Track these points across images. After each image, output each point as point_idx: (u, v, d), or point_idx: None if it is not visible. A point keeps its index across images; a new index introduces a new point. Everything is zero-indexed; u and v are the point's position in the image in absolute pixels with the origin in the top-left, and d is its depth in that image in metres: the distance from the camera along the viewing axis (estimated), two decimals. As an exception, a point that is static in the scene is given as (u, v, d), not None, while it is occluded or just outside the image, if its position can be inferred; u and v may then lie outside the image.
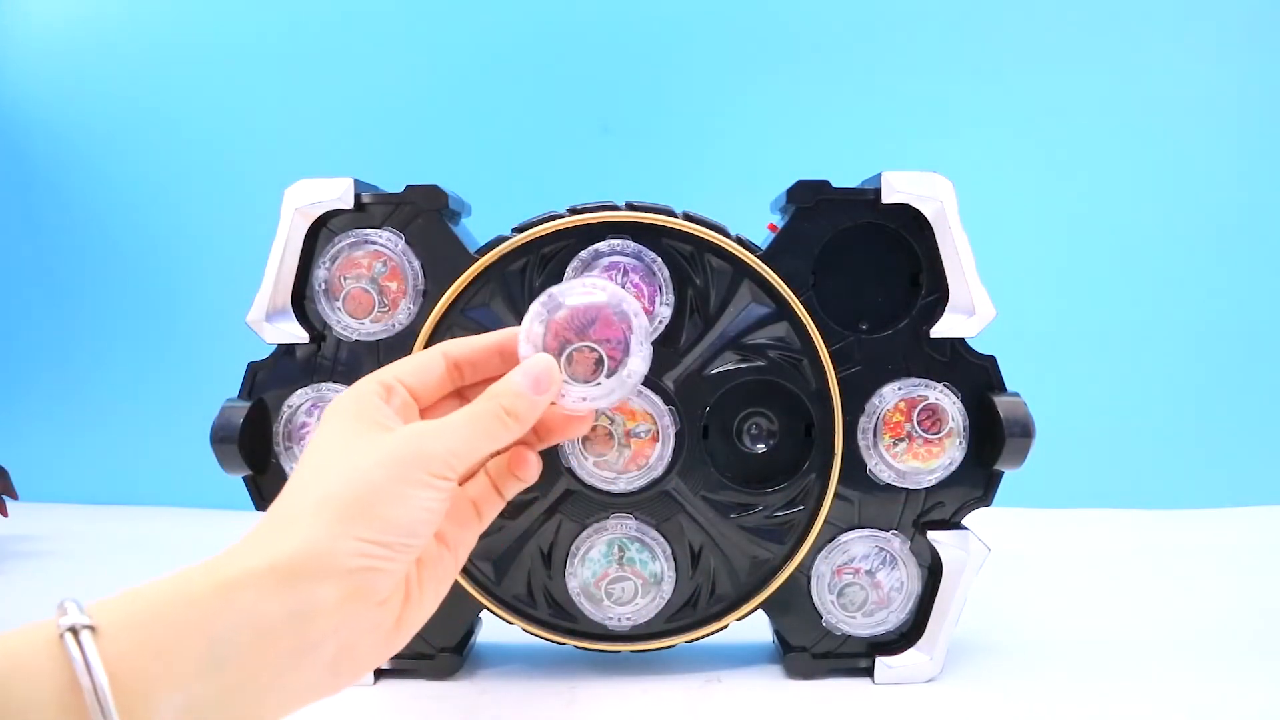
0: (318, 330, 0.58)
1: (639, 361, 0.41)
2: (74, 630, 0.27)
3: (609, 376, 0.41)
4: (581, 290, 0.41)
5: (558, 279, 0.56)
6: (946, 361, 0.57)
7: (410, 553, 0.35)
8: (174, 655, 0.28)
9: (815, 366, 0.57)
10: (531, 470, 0.43)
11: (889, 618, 0.59)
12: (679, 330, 0.57)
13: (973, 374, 0.58)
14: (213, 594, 0.30)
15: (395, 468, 0.34)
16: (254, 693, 0.30)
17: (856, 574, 0.59)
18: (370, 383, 0.39)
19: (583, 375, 0.41)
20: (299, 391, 0.57)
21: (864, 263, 0.58)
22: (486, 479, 0.43)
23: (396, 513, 0.34)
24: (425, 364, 0.41)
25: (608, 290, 0.41)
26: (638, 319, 0.41)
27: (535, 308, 0.41)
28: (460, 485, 0.41)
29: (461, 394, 0.43)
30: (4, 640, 0.27)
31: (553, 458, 0.57)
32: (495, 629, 0.62)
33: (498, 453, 0.42)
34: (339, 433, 0.36)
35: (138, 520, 1.08)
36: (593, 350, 0.41)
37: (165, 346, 1.16)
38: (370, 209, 0.57)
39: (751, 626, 0.61)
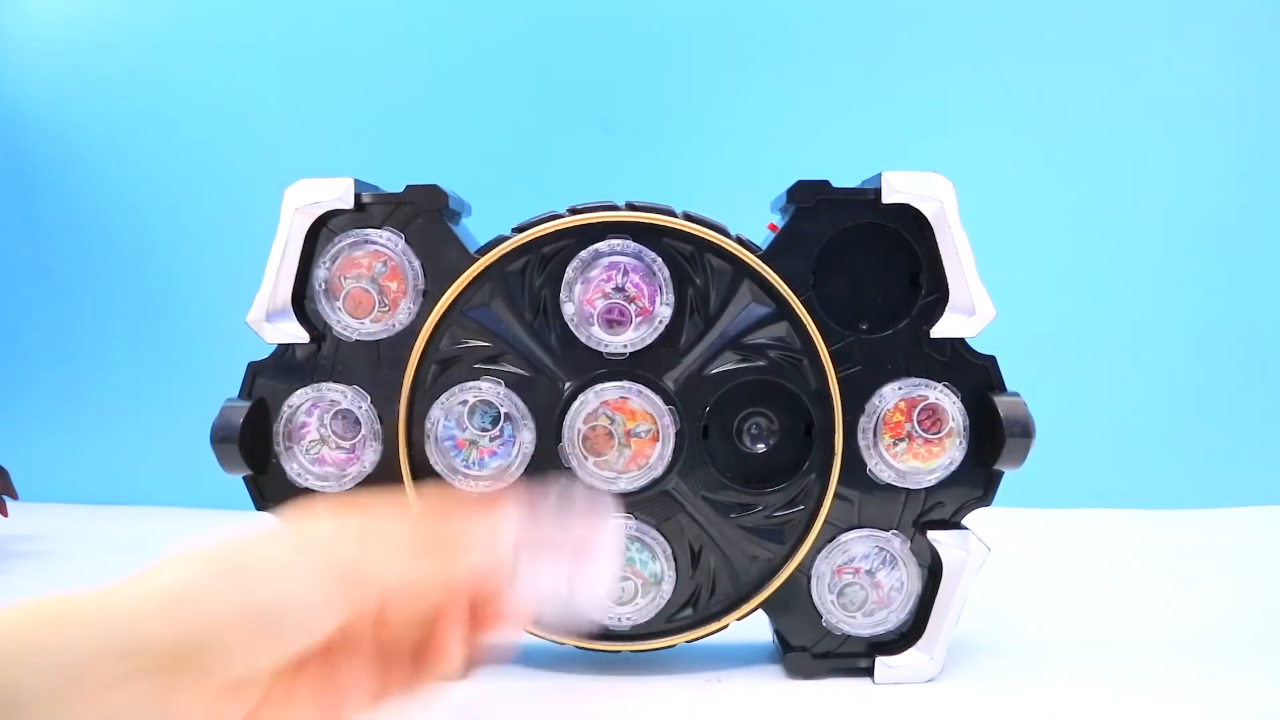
0: (318, 330, 0.58)
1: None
2: None
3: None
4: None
5: (558, 279, 0.56)
6: (946, 361, 0.57)
7: (272, 647, 0.29)
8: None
9: (815, 366, 0.57)
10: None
11: (889, 618, 0.59)
12: (679, 330, 0.57)
13: (973, 374, 0.57)
14: (46, 617, 0.27)
15: (303, 549, 0.31)
16: None
17: (856, 574, 0.59)
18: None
19: None
20: (299, 391, 0.57)
21: (864, 263, 0.58)
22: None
23: (278, 592, 0.29)
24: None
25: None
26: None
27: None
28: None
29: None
30: None
31: (553, 457, 0.57)
32: (495, 629, 0.62)
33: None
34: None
35: (138, 520, 1.08)
36: None
37: (165, 346, 1.16)
38: (370, 209, 0.57)
39: (751, 626, 0.61)
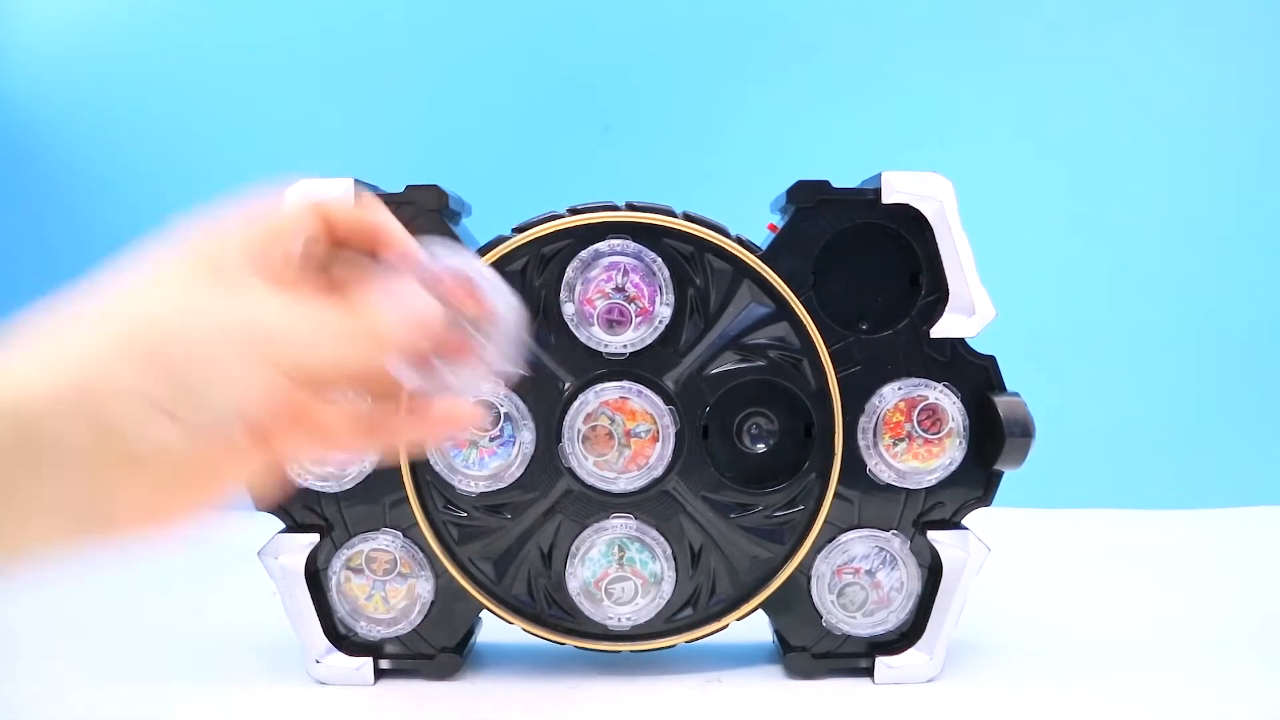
0: (318, 330, 0.57)
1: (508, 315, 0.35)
2: None
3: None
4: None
5: (558, 279, 0.56)
6: (946, 361, 0.57)
7: (196, 429, 0.28)
8: None
9: (815, 366, 0.57)
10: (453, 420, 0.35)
11: (889, 618, 0.59)
12: (679, 330, 0.57)
13: (973, 374, 0.57)
14: None
15: (226, 327, 0.28)
16: None
17: (856, 574, 0.59)
18: (240, 233, 0.31)
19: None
20: (299, 391, 0.57)
21: (864, 263, 0.58)
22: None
23: (198, 375, 0.27)
24: (296, 227, 0.33)
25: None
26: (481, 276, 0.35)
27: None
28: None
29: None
30: None
31: (552, 458, 0.57)
32: (495, 629, 0.62)
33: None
34: (181, 275, 0.30)
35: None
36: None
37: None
38: (370, 209, 0.57)
39: (751, 626, 0.61)
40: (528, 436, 0.57)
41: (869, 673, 0.59)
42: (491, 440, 0.57)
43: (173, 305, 0.28)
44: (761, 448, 0.59)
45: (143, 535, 0.30)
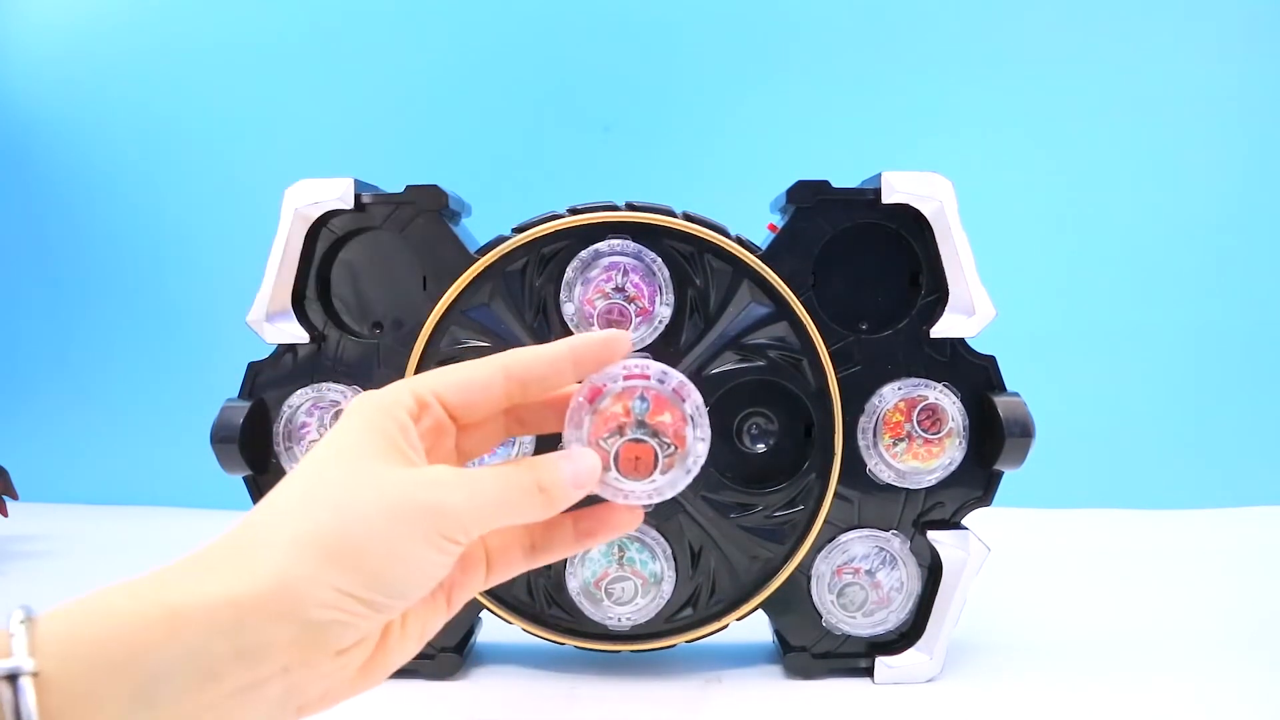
0: (318, 330, 0.58)
1: (701, 445, 0.36)
2: (14, 676, 0.24)
3: (666, 470, 0.36)
4: (626, 372, 0.36)
5: (558, 279, 0.56)
6: (946, 361, 0.57)
7: (392, 613, 0.31)
8: (107, 698, 0.25)
9: (815, 366, 0.57)
10: (605, 532, 0.38)
11: (889, 617, 0.59)
12: (679, 330, 0.57)
13: (973, 374, 0.58)
14: (154, 626, 0.26)
15: (402, 517, 0.30)
16: None
17: (856, 574, 0.59)
18: (402, 393, 0.33)
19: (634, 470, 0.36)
20: (299, 391, 0.57)
21: (864, 263, 0.58)
22: (516, 534, 0.37)
23: (390, 571, 0.29)
24: (477, 382, 0.34)
25: (653, 368, 0.36)
26: (691, 398, 0.36)
27: (581, 390, 0.36)
28: None
29: (515, 412, 0.37)
30: None
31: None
32: (495, 629, 0.62)
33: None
34: (347, 451, 0.31)
35: (138, 520, 1.08)
36: (644, 442, 0.36)
37: (165, 347, 1.16)
38: (370, 209, 0.57)
39: (751, 626, 0.61)
40: (527, 436, 0.57)
41: (869, 673, 0.59)
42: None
43: (355, 494, 0.30)
44: (761, 448, 0.59)
45: (320, 713, 0.32)
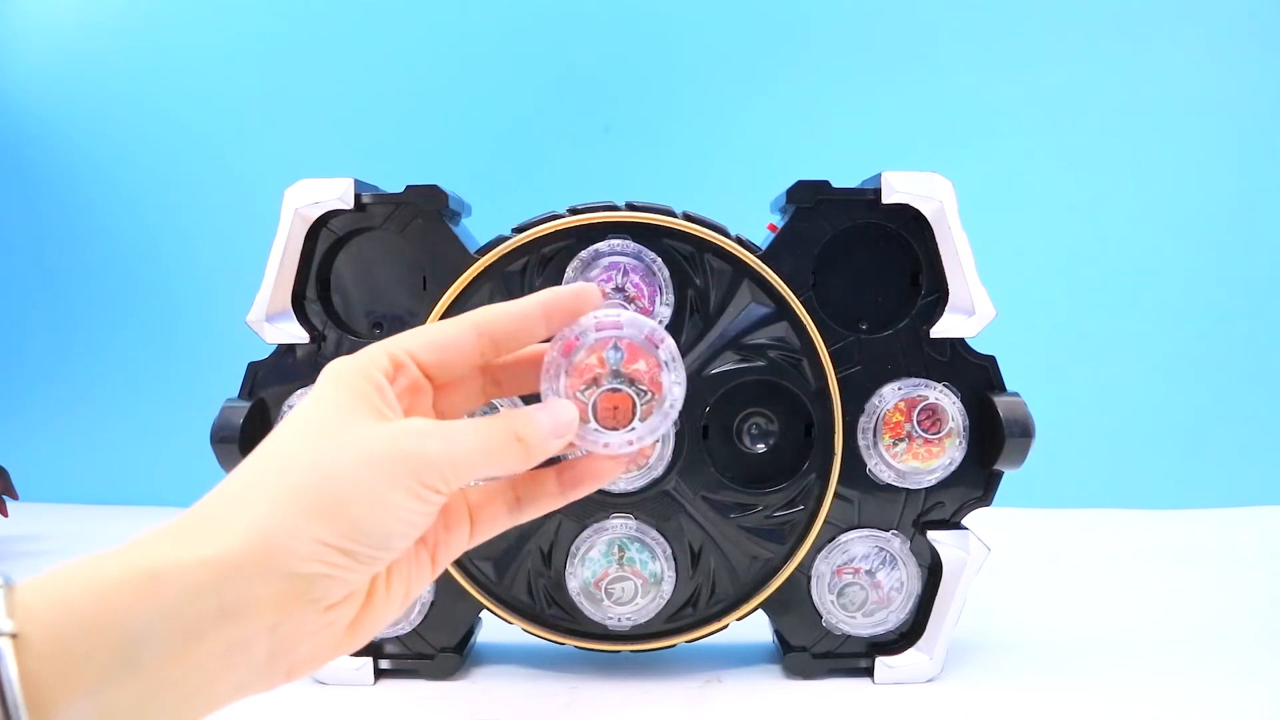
0: (318, 330, 0.58)
1: (678, 389, 0.37)
2: None
3: (643, 417, 0.36)
4: (598, 323, 0.37)
5: (558, 279, 0.56)
6: (946, 361, 0.57)
7: (377, 565, 0.31)
8: (86, 658, 0.25)
9: (815, 366, 0.57)
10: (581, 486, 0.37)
11: (889, 618, 0.59)
12: (679, 330, 0.57)
13: (973, 374, 0.58)
14: (132, 587, 0.26)
15: (380, 466, 0.30)
16: (175, 696, 0.27)
17: (856, 574, 0.59)
18: (377, 354, 0.33)
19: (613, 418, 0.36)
20: (299, 391, 0.57)
21: (864, 263, 0.58)
22: (499, 488, 0.37)
23: (371, 519, 0.29)
24: (449, 339, 0.34)
25: (624, 317, 0.37)
26: (665, 343, 0.37)
27: (555, 344, 0.37)
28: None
29: (491, 372, 0.38)
30: None
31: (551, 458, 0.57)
32: (495, 629, 0.62)
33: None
34: (324, 411, 0.31)
35: (138, 520, 1.07)
36: (620, 391, 0.36)
37: (165, 346, 1.16)
38: (370, 209, 0.57)
39: (751, 626, 0.61)
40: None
41: (869, 673, 0.59)
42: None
43: (332, 450, 0.30)
44: (761, 448, 0.59)
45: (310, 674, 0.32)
